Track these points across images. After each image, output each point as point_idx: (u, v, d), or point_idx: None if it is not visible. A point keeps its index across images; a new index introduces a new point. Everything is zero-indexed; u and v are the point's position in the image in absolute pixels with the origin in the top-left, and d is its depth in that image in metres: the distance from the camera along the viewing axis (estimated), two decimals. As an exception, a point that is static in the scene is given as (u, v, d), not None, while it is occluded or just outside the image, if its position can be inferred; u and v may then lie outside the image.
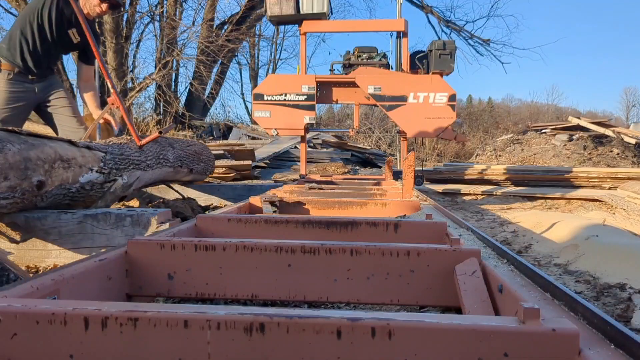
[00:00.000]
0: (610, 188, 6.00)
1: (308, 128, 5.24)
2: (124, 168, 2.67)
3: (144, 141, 2.93)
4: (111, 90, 2.85)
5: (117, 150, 2.67)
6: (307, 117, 5.05)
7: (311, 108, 5.05)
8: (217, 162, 5.36)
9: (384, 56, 5.46)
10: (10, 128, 1.91)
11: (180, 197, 3.96)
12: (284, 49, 22.46)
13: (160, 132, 3.02)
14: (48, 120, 3.26)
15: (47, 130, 3.31)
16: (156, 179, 3.30)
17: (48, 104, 3.21)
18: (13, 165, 1.78)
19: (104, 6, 3.04)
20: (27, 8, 3.06)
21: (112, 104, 2.93)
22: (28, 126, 3.88)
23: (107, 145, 2.62)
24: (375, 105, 5.51)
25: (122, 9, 2.80)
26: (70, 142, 2.24)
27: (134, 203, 3.52)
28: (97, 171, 2.41)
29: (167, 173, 3.42)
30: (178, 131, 10.55)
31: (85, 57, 3.31)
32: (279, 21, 5.53)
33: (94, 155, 2.42)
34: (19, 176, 1.82)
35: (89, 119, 3.43)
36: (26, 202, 1.94)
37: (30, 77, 3.04)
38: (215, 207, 3.99)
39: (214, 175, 5.30)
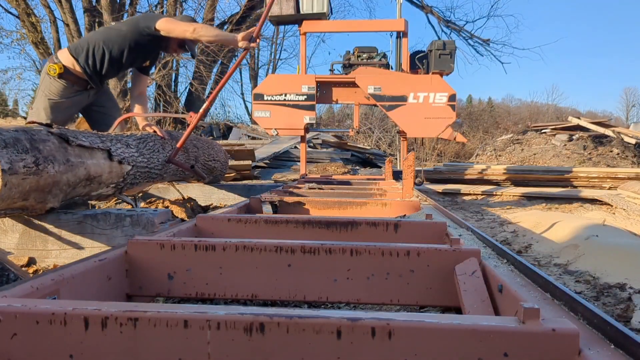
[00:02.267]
0: (610, 188, 5.99)
1: (308, 128, 5.24)
2: (138, 183, 2.57)
3: (176, 161, 2.97)
4: (201, 110, 2.96)
5: (145, 163, 2.58)
6: (307, 117, 5.04)
7: (311, 108, 5.05)
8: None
9: (384, 56, 5.45)
10: (65, 136, 1.86)
11: (180, 197, 3.96)
12: (284, 49, 22.49)
13: (192, 167, 3.19)
14: (88, 117, 3.30)
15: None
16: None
17: (94, 105, 3.26)
18: (40, 187, 1.66)
19: (179, 52, 3.30)
20: (121, 32, 3.03)
21: (190, 117, 2.96)
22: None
23: (139, 154, 2.53)
24: (375, 105, 5.50)
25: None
26: (109, 154, 2.18)
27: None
28: (113, 187, 2.29)
29: (172, 180, 3.41)
30: (178, 131, 10.53)
31: (142, 68, 3.32)
32: (279, 21, 5.53)
33: (121, 170, 2.30)
34: (38, 199, 1.70)
35: (83, 122, 3.46)
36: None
37: (89, 87, 3.09)
38: (215, 207, 3.99)
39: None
